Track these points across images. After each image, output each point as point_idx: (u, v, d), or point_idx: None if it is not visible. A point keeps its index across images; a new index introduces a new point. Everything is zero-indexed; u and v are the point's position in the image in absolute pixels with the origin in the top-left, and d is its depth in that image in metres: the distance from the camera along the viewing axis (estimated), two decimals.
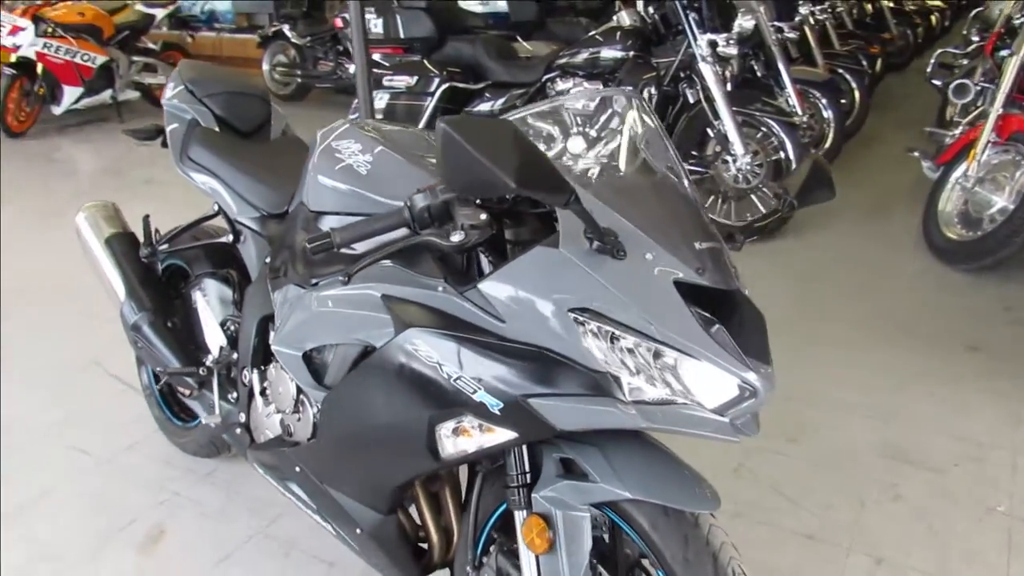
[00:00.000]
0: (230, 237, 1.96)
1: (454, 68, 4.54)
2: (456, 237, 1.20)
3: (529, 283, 1.16)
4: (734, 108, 3.95)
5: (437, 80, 4.43)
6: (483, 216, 1.21)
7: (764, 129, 4.13)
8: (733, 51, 3.94)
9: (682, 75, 4.14)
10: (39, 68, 6.49)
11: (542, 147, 1.29)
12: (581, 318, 1.12)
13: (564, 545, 1.26)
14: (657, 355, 1.14)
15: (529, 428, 1.19)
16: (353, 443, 1.44)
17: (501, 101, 4.45)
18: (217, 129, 2.07)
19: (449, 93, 4.44)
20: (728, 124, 3.91)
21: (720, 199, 4.13)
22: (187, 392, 2.11)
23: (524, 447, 1.30)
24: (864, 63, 6.13)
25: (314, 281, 1.48)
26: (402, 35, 4.70)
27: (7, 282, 3.68)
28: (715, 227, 1.30)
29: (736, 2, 4.41)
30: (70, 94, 6.76)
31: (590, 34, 4.41)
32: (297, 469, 1.61)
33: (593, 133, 1.35)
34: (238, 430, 1.88)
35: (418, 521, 1.59)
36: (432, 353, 1.22)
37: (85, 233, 2.21)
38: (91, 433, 2.54)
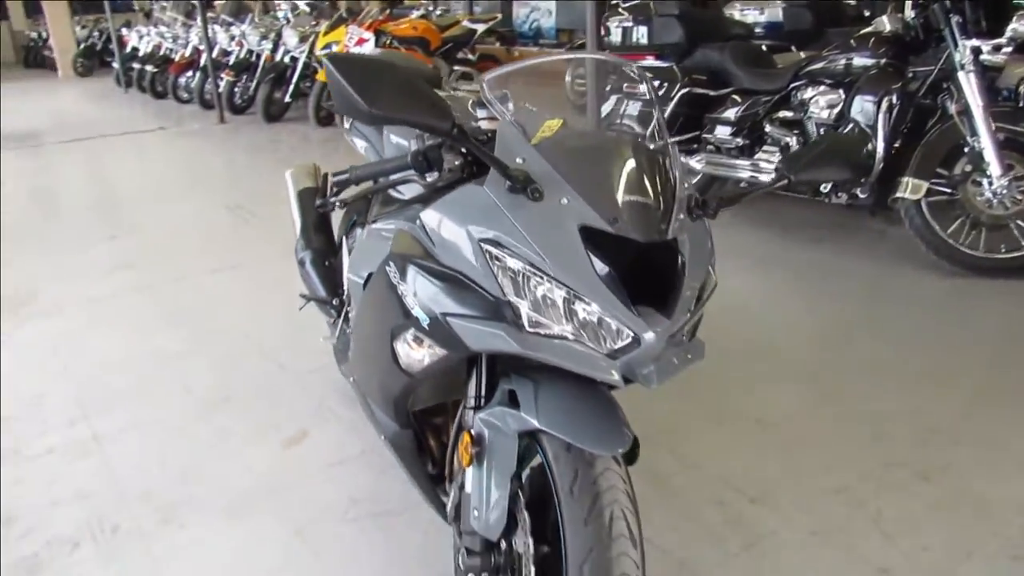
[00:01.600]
0: None
1: (700, 75, 4.56)
2: (430, 178, 1.40)
3: (454, 215, 1.31)
4: (998, 124, 3.48)
5: (678, 85, 4.49)
6: (457, 162, 1.40)
7: None
8: (1000, 59, 3.47)
9: (944, 85, 3.73)
10: None
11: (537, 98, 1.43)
12: (489, 249, 1.25)
13: (493, 464, 1.37)
14: (571, 299, 1.22)
15: (452, 345, 1.33)
16: (361, 355, 1.68)
17: (742, 108, 4.37)
18: None
19: (688, 98, 4.48)
20: (985, 140, 3.46)
21: (969, 225, 3.64)
22: (330, 320, 2.53)
23: (483, 375, 1.44)
24: None
25: (372, 220, 1.75)
26: (654, 42, 4.82)
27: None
28: (670, 191, 1.31)
29: None
30: None
31: (846, 40, 4.15)
32: (352, 380, 1.90)
33: (588, 93, 1.44)
34: (347, 352, 2.22)
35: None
36: (398, 274, 1.42)
37: (289, 186, 2.74)
38: (293, 354, 3.10)
